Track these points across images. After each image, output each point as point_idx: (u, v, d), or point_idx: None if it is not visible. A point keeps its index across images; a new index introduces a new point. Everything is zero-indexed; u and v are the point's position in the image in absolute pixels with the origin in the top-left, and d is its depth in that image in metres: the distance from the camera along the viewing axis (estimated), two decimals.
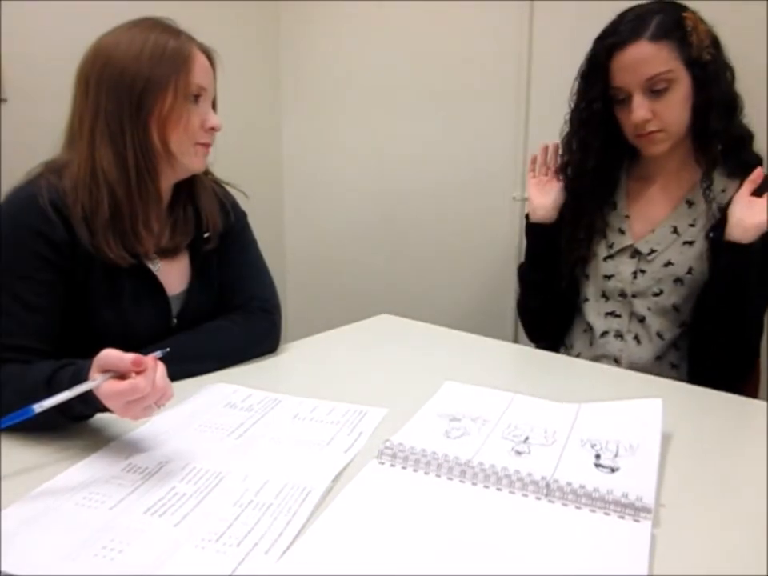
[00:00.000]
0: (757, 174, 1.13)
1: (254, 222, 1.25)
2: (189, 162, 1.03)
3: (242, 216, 1.22)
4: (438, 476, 0.75)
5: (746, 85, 1.57)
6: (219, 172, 1.20)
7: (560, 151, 1.35)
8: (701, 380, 1.16)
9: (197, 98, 1.01)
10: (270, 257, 1.26)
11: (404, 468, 0.77)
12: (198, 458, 0.79)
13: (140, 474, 0.75)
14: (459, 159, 2.04)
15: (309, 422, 0.90)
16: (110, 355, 0.75)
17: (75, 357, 0.95)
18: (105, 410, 0.82)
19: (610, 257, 1.29)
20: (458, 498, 0.71)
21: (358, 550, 0.62)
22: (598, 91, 1.21)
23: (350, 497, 0.71)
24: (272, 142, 2.42)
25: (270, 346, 1.18)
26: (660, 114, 1.15)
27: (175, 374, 0.93)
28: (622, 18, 1.19)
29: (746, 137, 1.21)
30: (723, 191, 1.20)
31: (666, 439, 0.83)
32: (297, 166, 2.42)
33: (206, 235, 1.13)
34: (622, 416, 0.89)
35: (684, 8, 1.17)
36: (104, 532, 0.64)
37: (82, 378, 0.77)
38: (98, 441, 0.83)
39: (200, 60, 1.01)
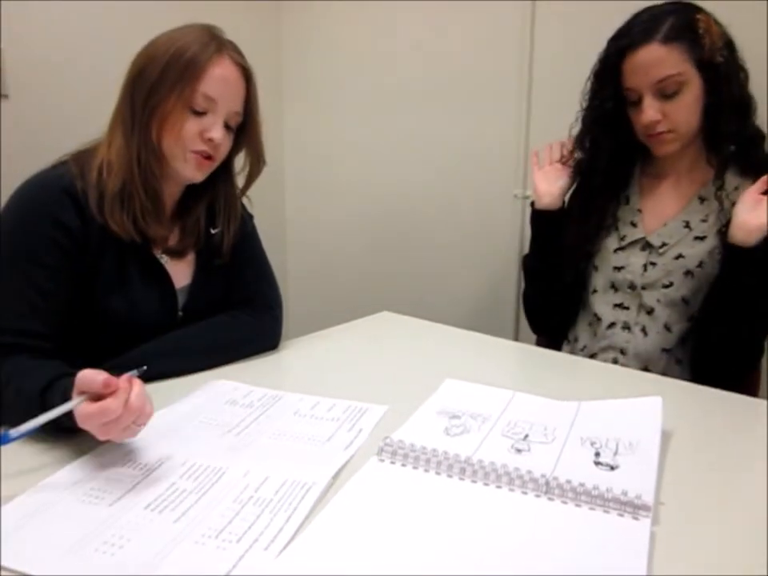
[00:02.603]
0: None
1: (255, 218, 1.25)
2: (180, 168, 1.02)
3: (249, 218, 1.23)
4: (438, 473, 0.75)
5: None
6: None
7: (571, 148, 1.36)
8: (703, 374, 1.17)
9: (204, 107, 0.99)
10: (271, 254, 1.26)
11: (404, 465, 0.77)
12: (199, 455, 0.79)
13: (140, 470, 0.75)
14: (460, 157, 2.04)
15: (309, 419, 0.90)
16: (85, 376, 0.73)
17: (84, 344, 0.97)
18: None
19: (621, 249, 1.30)
20: (458, 496, 0.71)
21: (358, 547, 0.62)
22: (610, 91, 1.22)
23: (350, 494, 0.71)
24: (274, 139, 2.40)
25: (272, 343, 1.19)
26: (670, 116, 1.16)
27: (176, 368, 0.93)
28: (636, 18, 1.19)
29: (758, 137, 1.22)
30: (736, 189, 1.20)
31: (666, 437, 0.83)
32: (298, 164, 2.41)
33: (213, 231, 1.13)
34: (621, 414, 0.89)
35: (698, 9, 1.17)
36: (104, 528, 0.64)
37: (68, 395, 0.75)
38: None
39: (219, 72, 0.99)
